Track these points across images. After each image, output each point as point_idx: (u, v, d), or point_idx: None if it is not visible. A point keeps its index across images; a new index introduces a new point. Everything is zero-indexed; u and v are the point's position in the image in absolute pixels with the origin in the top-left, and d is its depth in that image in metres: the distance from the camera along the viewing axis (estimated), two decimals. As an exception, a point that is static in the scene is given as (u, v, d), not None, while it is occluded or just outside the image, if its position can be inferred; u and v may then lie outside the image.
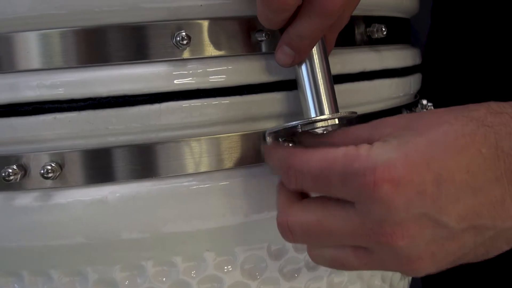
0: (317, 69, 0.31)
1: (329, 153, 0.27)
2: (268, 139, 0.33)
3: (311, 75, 0.31)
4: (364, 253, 0.27)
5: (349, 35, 0.36)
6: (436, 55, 0.59)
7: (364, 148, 0.26)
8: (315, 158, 0.27)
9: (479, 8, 0.53)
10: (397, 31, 0.41)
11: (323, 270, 0.36)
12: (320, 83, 0.31)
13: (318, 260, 0.30)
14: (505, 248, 0.27)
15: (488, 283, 0.54)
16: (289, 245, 0.35)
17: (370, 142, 0.27)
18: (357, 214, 0.26)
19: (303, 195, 0.30)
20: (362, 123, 0.36)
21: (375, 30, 0.37)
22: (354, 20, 0.36)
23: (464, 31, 0.55)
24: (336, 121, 0.30)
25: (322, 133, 0.31)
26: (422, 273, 0.27)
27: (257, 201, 0.33)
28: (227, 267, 0.34)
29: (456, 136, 0.25)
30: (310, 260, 0.36)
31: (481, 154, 0.25)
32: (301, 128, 0.31)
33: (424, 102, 0.47)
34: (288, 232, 0.29)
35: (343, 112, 0.31)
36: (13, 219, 0.31)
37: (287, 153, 0.29)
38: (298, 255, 0.36)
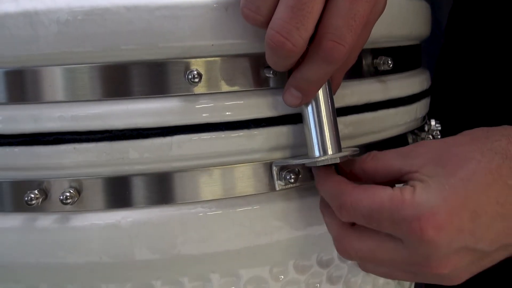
0: (322, 109, 0.33)
1: (376, 196, 0.30)
2: (275, 169, 0.35)
3: (316, 115, 0.33)
4: (412, 275, 0.32)
5: (356, 68, 0.37)
6: (447, 73, 0.59)
7: (407, 193, 0.29)
8: (364, 200, 0.30)
9: (492, 30, 0.54)
10: (405, 59, 0.42)
11: (322, 291, 0.39)
12: (324, 122, 0.32)
13: (370, 271, 0.34)
14: None
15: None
16: (290, 267, 0.37)
17: (402, 173, 0.31)
18: (405, 248, 0.30)
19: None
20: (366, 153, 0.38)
21: (381, 62, 0.38)
22: (361, 53, 0.37)
23: (476, 52, 0.56)
24: (338, 160, 0.32)
25: (355, 157, 0.34)
26: (459, 283, 0.31)
27: (261, 227, 0.35)
28: (231, 287, 0.36)
29: (485, 173, 0.29)
30: (310, 282, 0.38)
31: (507, 185, 0.29)
32: (305, 165, 0.33)
33: (433, 123, 0.48)
34: (346, 255, 0.33)
35: (345, 151, 0.33)
36: (34, 238, 0.33)
37: (338, 191, 0.32)
38: (298, 276, 0.38)
